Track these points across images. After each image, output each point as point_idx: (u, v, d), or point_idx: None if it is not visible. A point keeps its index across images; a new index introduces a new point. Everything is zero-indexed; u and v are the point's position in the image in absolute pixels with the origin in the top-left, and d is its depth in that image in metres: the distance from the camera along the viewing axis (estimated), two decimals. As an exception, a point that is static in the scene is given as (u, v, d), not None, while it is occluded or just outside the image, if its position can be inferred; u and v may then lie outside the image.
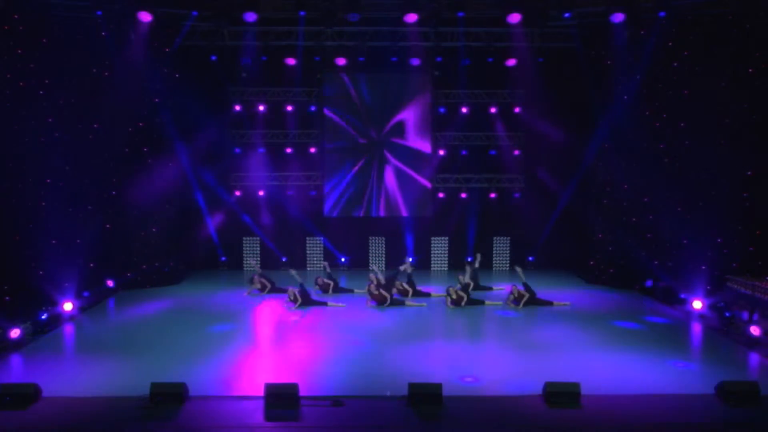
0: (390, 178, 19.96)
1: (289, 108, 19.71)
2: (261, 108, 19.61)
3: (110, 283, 16.30)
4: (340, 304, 15.00)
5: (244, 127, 19.74)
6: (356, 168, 19.93)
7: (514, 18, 16.06)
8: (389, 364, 10.64)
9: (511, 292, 15.02)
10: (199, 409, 8.42)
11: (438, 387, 8.62)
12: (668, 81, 16.20)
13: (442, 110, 19.81)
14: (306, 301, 14.90)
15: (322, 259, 19.72)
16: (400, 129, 19.76)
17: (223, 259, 20.18)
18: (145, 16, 15.84)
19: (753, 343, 11.47)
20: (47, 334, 12.43)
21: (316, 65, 19.25)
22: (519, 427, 7.96)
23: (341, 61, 18.79)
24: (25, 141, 14.29)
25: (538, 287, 15.19)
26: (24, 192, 14.32)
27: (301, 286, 15.10)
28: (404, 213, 20.04)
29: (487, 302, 15.19)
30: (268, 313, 14.61)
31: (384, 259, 20.24)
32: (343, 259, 20.25)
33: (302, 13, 16.60)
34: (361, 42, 18.05)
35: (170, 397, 8.53)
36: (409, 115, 19.69)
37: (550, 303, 15.04)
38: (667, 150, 16.40)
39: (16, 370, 10.50)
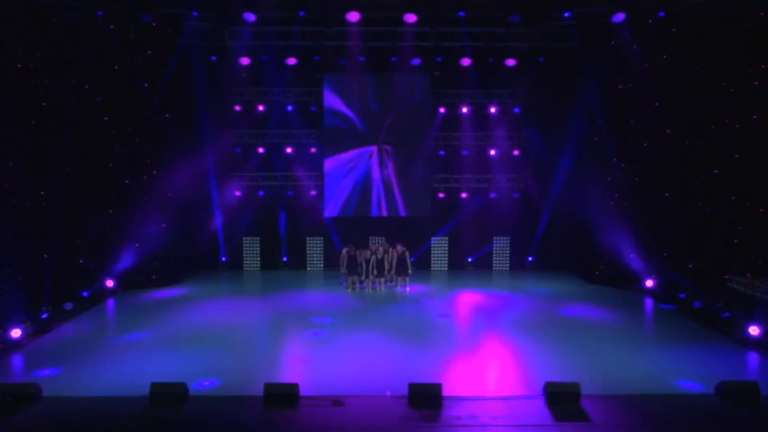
0: (390, 178, 19.93)
1: (289, 108, 19.72)
2: (261, 108, 19.63)
3: (110, 283, 16.29)
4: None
5: (244, 127, 19.74)
6: (356, 168, 19.92)
7: (514, 18, 16.06)
8: (386, 363, 10.65)
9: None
10: (199, 409, 8.43)
11: (438, 387, 8.63)
12: (668, 80, 16.18)
13: (442, 110, 19.80)
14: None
15: (322, 259, 19.75)
16: (400, 129, 19.73)
17: (224, 259, 20.16)
18: (146, 16, 15.84)
19: (753, 343, 11.48)
20: (47, 334, 12.44)
21: (316, 65, 19.26)
22: (518, 426, 7.96)
23: (341, 61, 18.78)
24: (25, 141, 14.30)
25: (538, 287, 15.13)
26: (24, 192, 14.31)
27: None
28: (404, 213, 20.04)
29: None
30: (267, 312, 14.61)
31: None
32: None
33: (302, 13, 16.62)
34: (361, 42, 18.03)
35: (170, 397, 8.53)
36: (409, 115, 19.67)
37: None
38: (667, 149, 16.40)
39: (16, 370, 10.51)
